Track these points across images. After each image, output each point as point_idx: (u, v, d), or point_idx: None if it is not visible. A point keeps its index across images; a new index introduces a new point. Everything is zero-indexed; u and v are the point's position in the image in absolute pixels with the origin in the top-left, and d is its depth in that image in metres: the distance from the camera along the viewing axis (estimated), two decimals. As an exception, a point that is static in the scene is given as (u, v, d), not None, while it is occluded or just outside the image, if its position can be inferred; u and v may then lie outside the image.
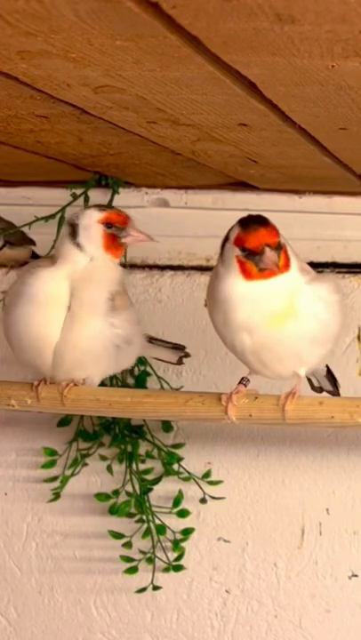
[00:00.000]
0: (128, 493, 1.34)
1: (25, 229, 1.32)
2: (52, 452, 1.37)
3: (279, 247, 1.00)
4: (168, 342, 1.28)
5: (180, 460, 1.35)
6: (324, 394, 1.19)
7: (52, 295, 1.10)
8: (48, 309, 1.10)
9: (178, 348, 1.28)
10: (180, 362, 1.28)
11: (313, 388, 1.19)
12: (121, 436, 1.35)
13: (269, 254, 0.98)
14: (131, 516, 1.34)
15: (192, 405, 1.09)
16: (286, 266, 1.01)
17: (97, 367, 1.13)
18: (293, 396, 1.04)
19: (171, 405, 1.10)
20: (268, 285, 1.00)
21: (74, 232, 1.11)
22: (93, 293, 1.10)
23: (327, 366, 1.16)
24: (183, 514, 1.35)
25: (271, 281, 1.00)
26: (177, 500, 1.35)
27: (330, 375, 1.18)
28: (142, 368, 1.35)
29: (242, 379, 1.08)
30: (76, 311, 1.09)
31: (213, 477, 1.35)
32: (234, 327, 1.03)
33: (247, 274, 1.00)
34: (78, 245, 1.11)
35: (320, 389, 1.19)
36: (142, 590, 1.34)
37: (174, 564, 1.34)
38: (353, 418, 1.04)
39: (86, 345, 1.10)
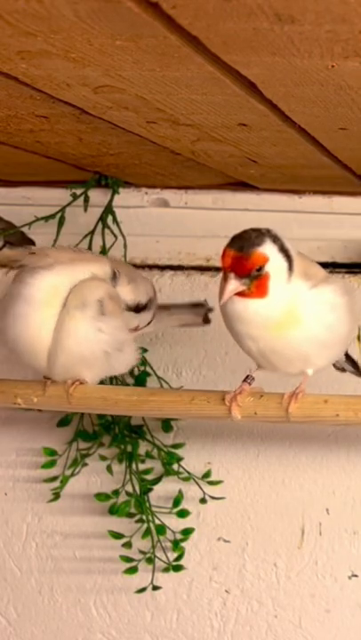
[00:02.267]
0: (128, 493, 1.34)
1: (25, 229, 1.32)
2: (52, 452, 1.37)
3: (253, 277, 0.98)
4: (185, 304, 1.26)
5: (180, 460, 1.35)
6: (327, 392, 1.18)
7: (50, 297, 1.10)
8: (43, 311, 1.10)
9: (198, 305, 1.26)
10: (206, 320, 1.25)
11: (336, 368, 1.18)
12: (121, 436, 1.35)
13: (229, 282, 0.97)
14: (131, 515, 1.34)
15: (197, 404, 1.09)
16: (260, 294, 0.98)
17: (87, 371, 1.13)
18: (297, 397, 1.04)
19: (176, 404, 1.11)
20: (255, 303, 0.99)
21: None
22: (83, 296, 1.10)
23: (349, 358, 1.16)
24: (183, 514, 1.35)
25: (255, 300, 0.99)
26: (177, 500, 1.35)
27: (349, 358, 1.17)
28: (142, 368, 1.35)
29: (246, 377, 1.08)
30: (66, 314, 1.09)
31: (213, 477, 1.35)
32: (239, 336, 1.03)
33: (225, 279, 0.99)
34: None
35: (342, 369, 1.18)
36: (142, 590, 1.34)
37: (174, 564, 1.34)
38: (358, 416, 1.04)
39: (74, 349, 1.10)
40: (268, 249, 0.98)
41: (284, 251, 1.00)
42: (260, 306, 0.99)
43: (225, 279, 0.98)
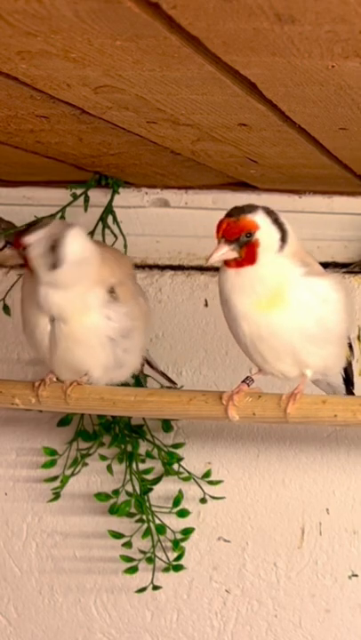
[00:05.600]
0: (128, 493, 1.34)
1: (25, 229, 1.32)
2: (52, 452, 1.37)
3: (242, 242, 1.00)
4: (164, 373, 1.29)
5: (180, 459, 1.35)
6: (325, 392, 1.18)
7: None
8: (39, 312, 1.11)
9: (170, 380, 1.29)
10: (167, 387, 1.30)
11: None
12: (121, 435, 1.35)
13: (219, 246, 1.01)
14: (131, 515, 1.34)
15: (196, 404, 1.09)
16: (250, 260, 1.01)
17: (93, 360, 1.13)
18: (295, 397, 1.04)
19: (174, 404, 1.11)
20: (246, 272, 1.02)
21: None
22: (88, 288, 1.11)
23: (348, 386, 1.14)
24: (183, 514, 1.35)
25: (246, 269, 1.01)
26: (177, 500, 1.35)
27: (351, 393, 1.15)
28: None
29: (246, 378, 1.08)
30: (69, 307, 1.10)
31: (213, 477, 1.35)
32: (232, 314, 1.03)
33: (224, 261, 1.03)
34: None
35: None
36: (142, 590, 1.34)
37: (174, 563, 1.34)
38: (356, 416, 1.04)
39: (80, 337, 1.11)
40: (259, 218, 1.02)
41: (279, 224, 1.03)
42: (249, 272, 1.02)
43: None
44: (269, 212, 1.03)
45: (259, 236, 1.01)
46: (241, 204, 1.33)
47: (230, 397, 1.06)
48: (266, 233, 1.02)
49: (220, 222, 1.02)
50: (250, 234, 1.01)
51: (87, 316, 1.10)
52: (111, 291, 1.11)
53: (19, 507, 1.41)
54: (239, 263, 1.02)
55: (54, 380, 1.15)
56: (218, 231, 1.02)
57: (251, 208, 1.02)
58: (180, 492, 1.35)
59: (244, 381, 1.08)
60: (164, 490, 1.36)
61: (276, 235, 1.02)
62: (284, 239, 1.03)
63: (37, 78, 0.76)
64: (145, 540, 1.34)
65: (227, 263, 1.02)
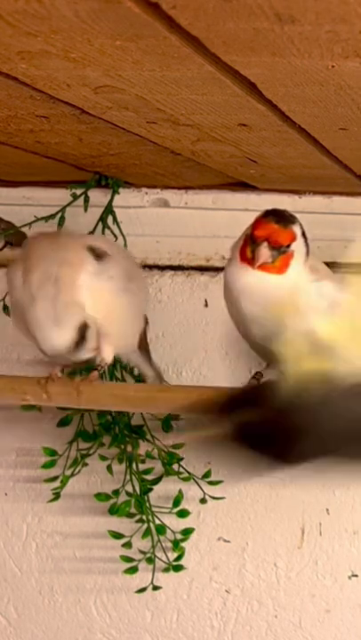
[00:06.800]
0: (128, 493, 1.34)
1: (25, 229, 1.32)
2: (52, 452, 1.37)
3: (282, 251, 0.99)
4: (159, 372, 1.29)
5: (180, 459, 1.35)
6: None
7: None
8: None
9: (159, 376, 1.29)
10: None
11: None
12: (121, 436, 1.35)
13: (263, 250, 0.99)
14: (131, 516, 1.34)
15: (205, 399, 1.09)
16: (281, 270, 1.00)
17: (123, 323, 1.12)
18: None
19: (184, 400, 1.10)
20: (264, 276, 1.01)
21: None
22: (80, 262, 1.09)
23: None
24: (183, 514, 1.35)
25: (266, 274, 1.00)
26: (177, 500, 1.35)
27: None
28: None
29: (256, 373, 1.08)
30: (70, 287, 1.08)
31: (213, 477, 1.35)
32: (240, 315, 1.03)
33: (243, 256, 1.00)
34: None
35: None
36: (142, 590, 1.34)
37: (174, 563, 1.34)
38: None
39: (103, 312, 1.08)
40: (297, 229, 1.02)
41: (305, 237, 1.03)
42: (273, 281, 1.01)
43: (252, 248, 0.99)
44: (300, 224, 1.02)
45: (294, 247, 1.01)
46: (243, 204, 1.34)
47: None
48: (299, 245, 1.01)
49: (264, 225, 1.00)
50: (289, 245, 1.00)
51: (99, 291, 1.08)
52: (91, 250, 1.10)
53: (19, 507, 1.41)
54: (265, 267, 1.00)
55: (59, 375, 1.14)
56: (260, 232, 0.99)
57: (293, 217, 1.02)
58: (180, 492, 1.35)
59: (253, 377, 1.08)
60: (164, 490, 1.35)
61: (304, 248, 1.02)
62: (308, 252, 1.03)
63: (37, 78, 0.76)
64: (145, 541, 1.34)
65: (247, 261, 1.01)
